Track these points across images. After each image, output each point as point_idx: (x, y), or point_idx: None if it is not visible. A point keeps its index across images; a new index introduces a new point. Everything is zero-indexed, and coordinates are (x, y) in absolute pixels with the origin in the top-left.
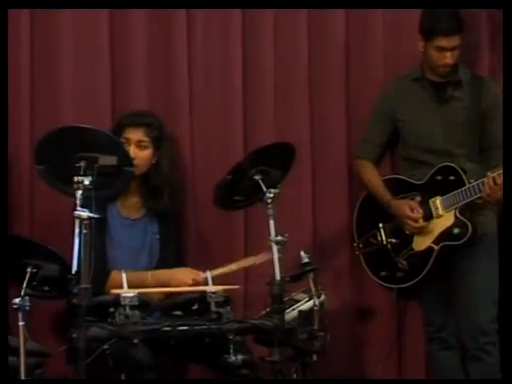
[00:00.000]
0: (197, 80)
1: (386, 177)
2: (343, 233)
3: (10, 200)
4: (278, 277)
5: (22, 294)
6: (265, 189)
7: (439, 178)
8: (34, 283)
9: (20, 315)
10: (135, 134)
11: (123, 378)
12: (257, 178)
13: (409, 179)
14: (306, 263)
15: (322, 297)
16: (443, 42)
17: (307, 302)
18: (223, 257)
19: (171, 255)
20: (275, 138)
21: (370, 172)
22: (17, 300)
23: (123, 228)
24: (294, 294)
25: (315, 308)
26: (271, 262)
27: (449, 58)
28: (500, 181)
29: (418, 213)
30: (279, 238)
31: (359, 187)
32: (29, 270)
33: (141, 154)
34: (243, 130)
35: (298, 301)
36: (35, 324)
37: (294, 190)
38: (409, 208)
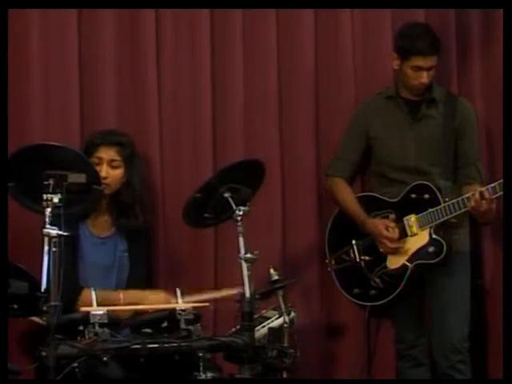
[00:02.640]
0: (166, 100)
1: (360, 194)
2: (313, 250)
3: None
4: (247, 294)
5: None
6: (234, 206)
7: (414, 196)
8: None
9: None
10: (107, 154)
11: None
12: (226, 195)
13: (382, 197)
14: (276, 280)
15: (292, 314)
16: (420, 62)
17: (277, 319)
18: (193, 274)
19: (141, 272)
20: (245, 155)
21: (343, 190)
22: None
23: (93, 246)
24: (263, 311)
25: (285, 325)
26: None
27: (425, 78)
28: (488, 195)
29: (394, 232)
30: (249, 255)
31: (329, 204)
32: None
33: (113, 173)
34: (213, 148)
35: (268, 318)
36: None
37: (264, 208)
38: (385, 227)
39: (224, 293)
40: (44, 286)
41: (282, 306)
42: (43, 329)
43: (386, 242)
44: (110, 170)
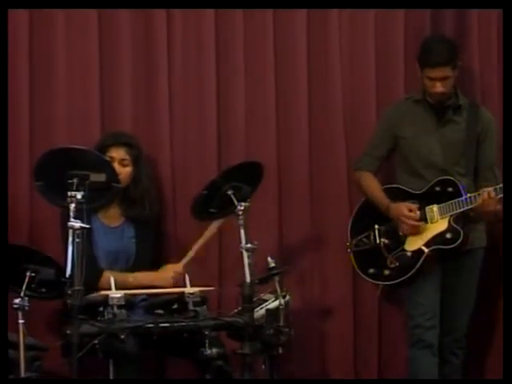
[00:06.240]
0: (176, 107)
1: (386, 186)
2: (306, 240)
3: (11, 212)
4: (248, 279)
5: (22, 295)
6: (236, 202)
7: (438, 189)
8: (33, 285)
9: (20, 314)
10: (118, 153)
11: (111, 369)
12: (229, 192)
13: (407, 189)
14: (273, 267)
15: (287, 297)
16: (431, 73)
17: (274, 301)
18: (200, 262)
19: (146, 257)
20: (246, 157)
21: (369, 180)
22: (17, 300)
23: (105, 235)
24: (262, 294)
25: (281, 307)
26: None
27: (439, 87)
28: (493, 194)
29: (415, 213)
30: (249, 245)
31: (320, 199)
32: (28, 273)
33: (124, 171)
34: (217, 150)
35: (266, 300)
36: (33, 322)
37: (263, 204)
38: (407, 208)
39: (207, 234)
40: (68, 272)
41: (279, 290)
42: (67, 310)
43: (406, 221)
44: (121, 167)
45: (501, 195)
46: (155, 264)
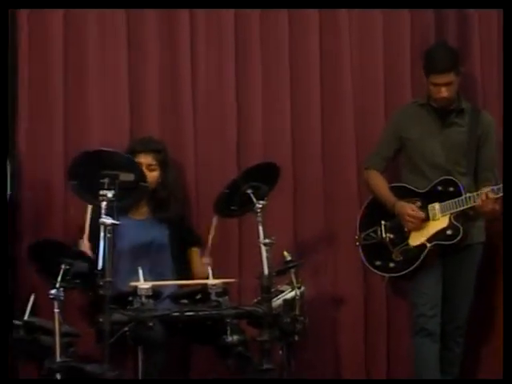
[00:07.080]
0: (199, 112)
1: (392, 184)
2: (319, 236)
3: (48, 211)
4: (266, 272)
5: (57, 286)
6: (255, 200)
7: (440, 188)
8: (67, 277)
9: (55, 303)
10: (146, 159)
11: (140, 355)
12: (248, 191)
13: (412, 187)
14: (289, 261)
15: (302, 288)
16: (436, 79)
17: (290, 292)
18: (222, 255)
19: (173, 253)
20: (263, 158)
21: (377, 179)
22: (53, 291)
23: (131, 228)
24: (279, 285)
25: (297, 297)
26: None
27: (444, 93)
28: (492, 195)
29: (418, 213)
30: (267, 240)
31: (332, 197)
32: (63, 266)
33: (150, 175)
34: (237, 153)
35: (283, 291)
36: (67, 310)
37: (279, 202)
38: (410, 208)
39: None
40: (100, 265)
41: (294, 282)
42: (100, 300)
43: (411, 219)
44: (148, 172)
45: (498, 195)
46: (181, 256)
